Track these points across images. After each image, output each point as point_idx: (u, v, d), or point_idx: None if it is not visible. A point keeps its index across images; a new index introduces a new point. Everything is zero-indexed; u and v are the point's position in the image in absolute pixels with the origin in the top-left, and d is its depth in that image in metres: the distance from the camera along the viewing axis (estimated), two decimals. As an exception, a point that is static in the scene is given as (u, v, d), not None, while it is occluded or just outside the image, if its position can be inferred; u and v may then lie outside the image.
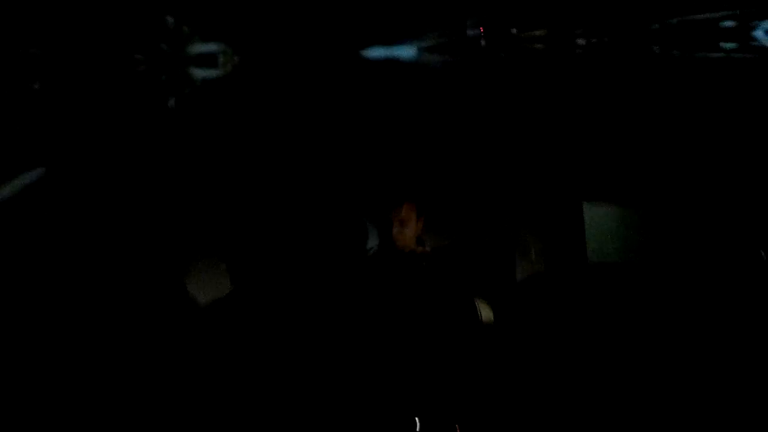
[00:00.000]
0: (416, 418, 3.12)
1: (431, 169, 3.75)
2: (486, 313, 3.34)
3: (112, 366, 3.35)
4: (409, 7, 3.86)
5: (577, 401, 3.41)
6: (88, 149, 3.70)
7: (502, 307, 3.41)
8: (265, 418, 3.28)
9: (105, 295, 3.46)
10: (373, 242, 3.56)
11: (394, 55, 3.88)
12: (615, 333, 3.51)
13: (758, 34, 3.79)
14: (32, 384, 3.28)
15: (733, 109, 3.76)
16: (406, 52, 3.90)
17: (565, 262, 3.65)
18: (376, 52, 3.90)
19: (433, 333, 3.27)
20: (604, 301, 3.54)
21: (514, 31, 3.89)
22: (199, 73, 3.89)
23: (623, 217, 3.67)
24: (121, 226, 3.62)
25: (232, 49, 3.92)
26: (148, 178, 3.72)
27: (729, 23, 3.81)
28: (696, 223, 3.73)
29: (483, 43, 3.86)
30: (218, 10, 3.88)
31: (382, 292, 3.33)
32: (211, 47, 3.93)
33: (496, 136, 3.81)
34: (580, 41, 3.86)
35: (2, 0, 3.61)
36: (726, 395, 3.41)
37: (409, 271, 3.38)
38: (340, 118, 3.83)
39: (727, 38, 3.81)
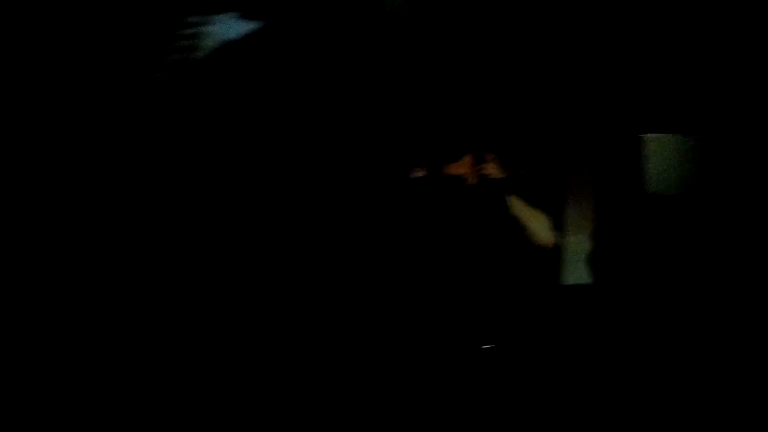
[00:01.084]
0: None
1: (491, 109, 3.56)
2: (537, 230, 3.28)
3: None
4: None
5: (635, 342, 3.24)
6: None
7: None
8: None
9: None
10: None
11: None
12: (676, 271, 3.31)
13: None
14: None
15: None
16: None
17: (622, 195, 3.45)
18: None
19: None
20: (663, 235, 3.36)
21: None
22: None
23: (684, 147, 3.44)
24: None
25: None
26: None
27: None
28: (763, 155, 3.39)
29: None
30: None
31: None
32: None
33: (544, 68, 3.58)
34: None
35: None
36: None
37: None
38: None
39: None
